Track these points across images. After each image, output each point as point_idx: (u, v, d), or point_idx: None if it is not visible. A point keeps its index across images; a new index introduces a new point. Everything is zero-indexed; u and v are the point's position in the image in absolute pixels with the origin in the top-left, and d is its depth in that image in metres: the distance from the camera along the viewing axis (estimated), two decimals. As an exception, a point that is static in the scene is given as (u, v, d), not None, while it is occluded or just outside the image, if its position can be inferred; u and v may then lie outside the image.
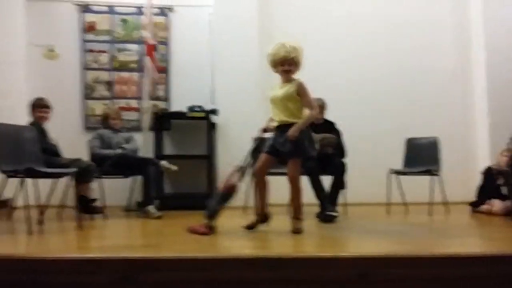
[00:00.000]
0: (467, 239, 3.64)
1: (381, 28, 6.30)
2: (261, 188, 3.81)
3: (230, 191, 3.63)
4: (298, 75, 3.91)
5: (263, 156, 3.75)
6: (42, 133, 4.55)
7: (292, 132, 3.59)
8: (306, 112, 3.73)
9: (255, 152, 3.80)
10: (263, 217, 3.83)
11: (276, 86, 3.80)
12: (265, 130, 3.89)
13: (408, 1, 6.40)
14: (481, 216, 4.92)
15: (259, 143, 3.81)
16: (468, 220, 4.82)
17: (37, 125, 4.56)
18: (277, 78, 3.81)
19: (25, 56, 5.82)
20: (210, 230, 3.49)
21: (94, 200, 4.63)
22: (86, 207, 4.48)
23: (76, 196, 4.12)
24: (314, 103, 3.75)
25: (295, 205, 3.76)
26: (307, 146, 3.68)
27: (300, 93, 3.67)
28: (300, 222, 3.71)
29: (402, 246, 3.19)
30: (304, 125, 3.66)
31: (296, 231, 3.63)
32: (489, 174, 5.12)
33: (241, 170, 3.73)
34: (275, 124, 3.76)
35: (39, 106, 4.65)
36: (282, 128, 3.68)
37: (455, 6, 6.43)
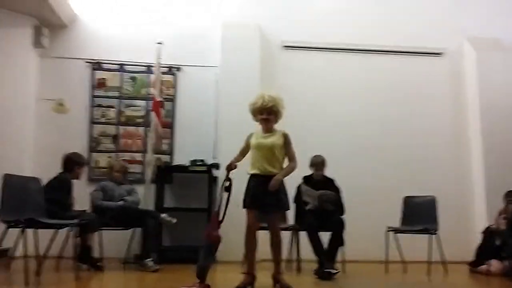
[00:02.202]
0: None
1: (380, 93, 6.54)
2: (251, 246, 3.76)
3: (215, 243, 3.54)
4: (290, 127, 4.01)
5: (249, 213, 3.74)
6: (70, 190, 4.68)
7: (274, 182, 3.65)
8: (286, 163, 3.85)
9: (226, 190, 3.74)
10: (252, 277, 3.72)
11: (257, 134, 3.88)
12: (229, 167, 3.81)
13: (408, 65, 6.66)
14: (480, 277, 4.88)
15: (229, 183, 3.76)
16: (466, 280, 4.79)
17: (69, 181, 4.69)
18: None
19: (35, 109, 6.03)
20: None
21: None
22: (89, 258, 4.55)
23: (75, 247, 4.14)
24: (295, 157, 3.85)
25: (278, 261, 3.74)
26: (284, 198, 3.77)
27: (286, 144, 3.82)
28: (283, 277, 3.72)
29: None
30: (285, 176, 3.77)
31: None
32: (488, 234, 5.12)
33: (219, 216, 3.63)
34: (253, 171, 3.76)
35: (86, 164, 4.90)
36: (263, 178, 3.70)
37: (451, 73, 6.70)
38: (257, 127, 3.99)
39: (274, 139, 3.79)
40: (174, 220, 4.96)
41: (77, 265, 4.13)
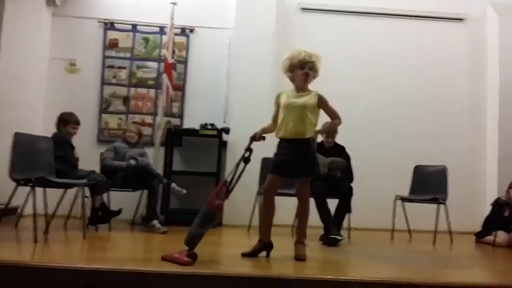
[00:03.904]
0: (470, 270, 3.63)
1: (398, 58, 6.38)
2: (268, 212, 3.56)
3: (215, 212, 3.22)
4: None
5: (270, 177, 3.52)
6: (70, 146, 4.71)
7: (319, 130, 3.57)
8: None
9: (245, 161, 3.52)
10: (265, 244, 3.55)
11: (289, 93, 3.59)
12: (253, 139, 3.63)
13: (428, 31, 6.46)
14: (486, 247, 4.87)
15: (249, 154, 3.53)
16: (472, 250, 4.78)
17: (67, 137, 4.70)
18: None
19: (47, 70, 6.04)
20: (193, 259, 3.04)
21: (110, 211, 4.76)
22: (103, 215, 4.66)
23: (83, 207, 4.21)
24: (338, 113, 3.63)
25: (302, 229, 3.57)
26: (318, 164, 3.57)
27: (322, 104, 3.55)
28: (304, 248, 3.52)
29: (404, 273, 3.21)
30: (327, 130, 3.72)
31: (301, 257, 3.43)
32: (497, 205, 5.07)
33: (228, 186, 3.38)
34: (281, 135, 3.53)
35: (74, 122, 4.78)
36: (293, 142, 3.47)
37: (473, 40, 6.49)
38: (285, 87, 3.73)
39: (307, 99, 3.50)
40: (184, 191, 4.99)
41: (86, 227, 4.20)
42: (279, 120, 3.56)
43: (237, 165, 3.47)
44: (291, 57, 3.54)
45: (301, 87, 3.58)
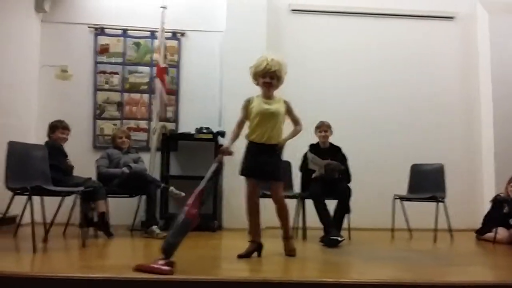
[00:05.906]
0: (471, 268, 3.61)
1: (390, 58, 6.40)
2: (253, 215, 3.70)
3: (192, 221, 3.17)
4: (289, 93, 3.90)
5: (248, 181, 3.67)
6: (62, 153, 4.66)
7: (282, 141, 3.67)
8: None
9: (216, 174, 3.54)
10: (256, 245, 3.68)
11: (259, 100, 3.69)
12: (226, 153, 3.68)
13: (419, 29, 6.49)
14: (486, 244, 4.88)
15: (220, 165, 3.56)
16: (472, 247, 4.78)
17: (57, 145, 4.66)
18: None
19: (38, 77, 5.96)
20: (172, 268, 2.94)
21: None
22: (102, 224, 4.60)
23: (82, 214, 4.16)
24: (300, 120, 3.84)
25: (286, 226, 3.72)
26: (282, 169, 3.74)
27: (290, 111, 3.76)
28: (292, 241, 3.71)
29: (405, 273, 3.19)
30: (290, 139, 3.76)
31: (290, 252, 3.59)
32: (497, 202, 5.09)
33: (202, 194, 3.32)
34: (255, 139, 3.63)
35: (62, 128, 4.74)
36: (264, 146, 3.61)
37: (463, 37, 6.53)
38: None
39: (278, 106, 3.67)
40: (183, 194, 4.94)
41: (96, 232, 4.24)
42: (253, 124, 3.66)
43: (209, 179, 3.44)
44: (255, 66, 3.68)
45: (266, 95, 3.71)
